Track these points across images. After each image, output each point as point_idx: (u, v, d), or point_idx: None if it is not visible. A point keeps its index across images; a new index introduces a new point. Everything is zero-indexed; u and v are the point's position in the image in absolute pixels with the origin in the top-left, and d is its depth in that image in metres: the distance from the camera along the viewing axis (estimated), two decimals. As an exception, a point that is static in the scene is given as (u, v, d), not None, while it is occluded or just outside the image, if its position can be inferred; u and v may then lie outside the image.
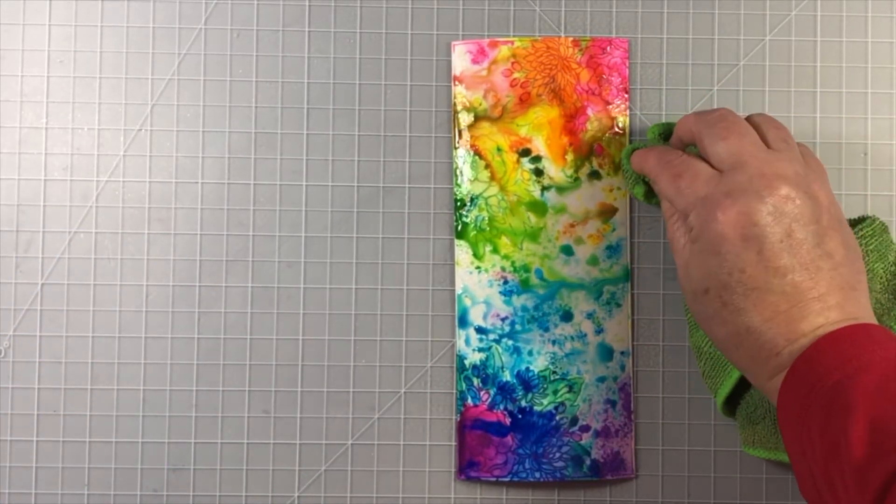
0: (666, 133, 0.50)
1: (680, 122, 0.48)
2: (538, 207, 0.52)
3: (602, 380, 0.52)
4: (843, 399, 0.38)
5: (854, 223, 0.49)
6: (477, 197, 0.52)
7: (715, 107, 0.52)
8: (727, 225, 0.42)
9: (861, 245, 0.48)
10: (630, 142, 0.52)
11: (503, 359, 0.52)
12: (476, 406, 0.52)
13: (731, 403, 0.50)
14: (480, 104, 0.52)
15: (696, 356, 0.50)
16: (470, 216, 0.52)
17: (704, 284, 0.43)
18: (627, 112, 0.52)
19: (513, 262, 0.52)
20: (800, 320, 0.41)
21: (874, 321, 0.43)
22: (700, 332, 0.49)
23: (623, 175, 0.52)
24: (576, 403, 0.52)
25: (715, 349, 0.48)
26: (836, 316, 0.42)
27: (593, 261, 0.52)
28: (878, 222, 0.49)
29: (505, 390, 0.52)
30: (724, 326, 0.43)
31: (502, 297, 0.52)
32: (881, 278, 0.48)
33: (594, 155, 0.52)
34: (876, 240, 0.48)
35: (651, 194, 0.50)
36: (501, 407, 0.52)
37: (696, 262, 0.44)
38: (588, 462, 0.52)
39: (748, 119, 0.46)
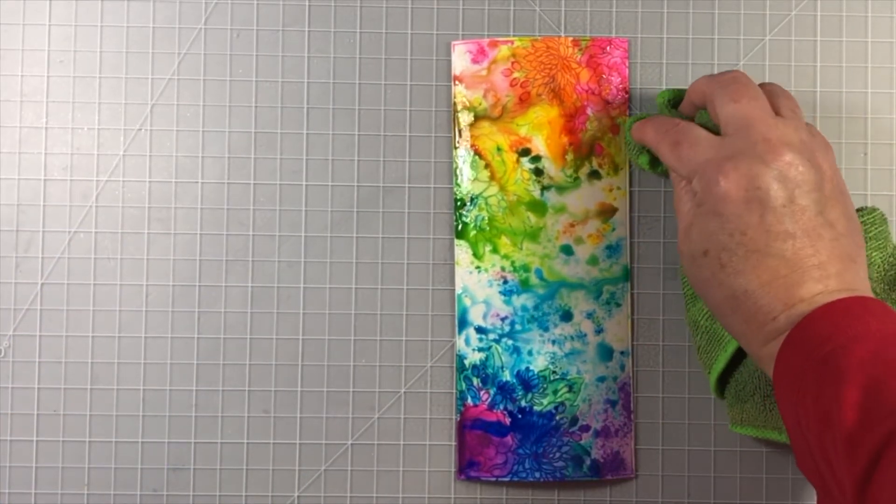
0: (675, 100, 0.50)
1: (692, 86, 0.48)
2: (538, 207, 0.52)
3: (602, 379, 0.52)
4: (836, 368, 0.38)
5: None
6: (477, 197, 0.52)
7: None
8: (730, 187, 0.42)
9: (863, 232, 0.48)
10: (631, 114, 0.52)
11: (503, 359, 0.52)
12: (476, 406, 0.52)
13: (722, 383, 0.50)
14: (480, 104, 0.52)
15: (693, 331, 0.50)
16: (470, 216, 0.52)
17: (704, 246, 0.43)
18: (627, 112, 0.52)
19: (513, 262, 0.52)
20: (798, 286, 0.42)
21: (871, 294, 0.43)
22: (697, 305, 0.49)
23: (626, 147, 0.52)
24: (576, 403, 0.52)
25: (711, 322, 0.48)
26: (835, 285, 0.42)
27: (593, 260, 0.52)
28: (878, 212, 0.49)
29: (505, 390, 0.52)
30: (721, 289, 0.43)
31: (502, 297, 0.52)
32: (878, 268, 0.48)
33: (594, 155, 0.52)
34: (876, 228, 0.48)
35: (656, 163, 0.50)
36: (501, 407, 0.52)
37: (697, 224, 0.44)
38: (588, 462, 0.52)
39: (760, 85, 0.47)
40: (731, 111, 0.44)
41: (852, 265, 0.43)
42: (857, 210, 0.49)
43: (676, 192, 0.46)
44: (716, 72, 0.53)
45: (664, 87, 0.53)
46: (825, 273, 0.42)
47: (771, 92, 0.46)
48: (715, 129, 0.46)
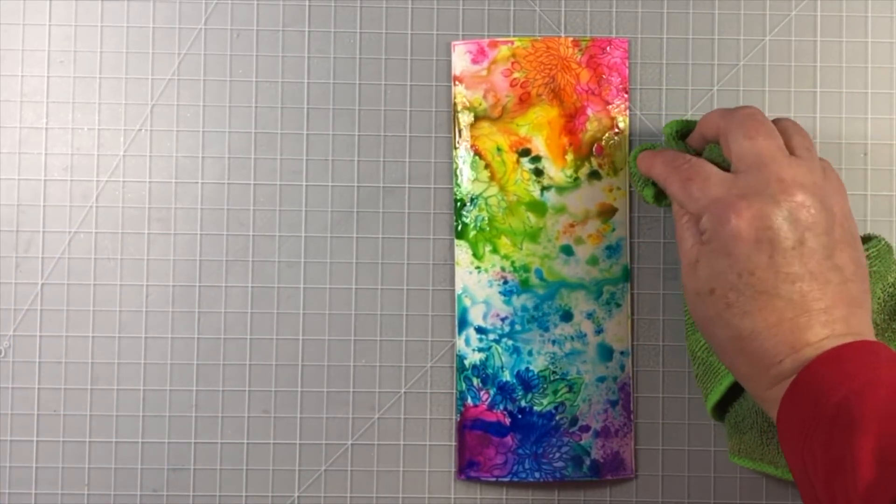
0: (683, 131, 0.50)
1: (704, 119, 0.47)
2: (538, 207, 0.52)
3: (602, 380, 0.52)
4: (849, 416, 0.38)
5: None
6: (477, 197, 0.52)
7: (715, 107, 0.52)
8: (741, 226, 0.42)
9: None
10: (633, 144, 0.52)
11: (503, 359, 0.52)
12: (476, 406, 0.52)
13: (721, 409, 0.50)
14: (480, 104, 0.52)
15: (691, 359, 0.50)
16: (470, 216, 0.52)
17: (711, 284, 0.43)
18: (627, 112, 0.52)
19: (513, 262, 0.52)
20: (805, 329, 0.41)
21: (874, 339, 0.43)
22: (696, 335, 0.49)
23: (631, 178, 0.51)
24: (575, 403, 0.52)
25: (708, 355, 0.48)
26: (841, 329, 0.41)
27: (593, 261, 0.52)
28: (883, 243, 0.48)
29: (505, 390, 0.52)
30: (726, 329, 0.43)
31: (502, 297, 0.52)
32: (879, 299, 0.48)
33: (594, 155, 0.52)
34: (879, 262, 0.48)
35: (661, 196, 0.50)
36: (501, 407, 0.52)
37: (705, 262, 0.43)
38: (588, 462, 0.52)
39: (775, 122, 0.46)
40: (746, 148, 0.44)
41: (858, 310, 0.42)
42: (863, 239, 0.48)
43: (678, 227, 0.46)
44: (715, 72, 0.53)
45: (664, 88, 0.53)
46: (832, 317, 0.41)
47: (786, 130, 0.46)
48: (724, 164, 0.46)
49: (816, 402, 0.39)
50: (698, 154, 0.48)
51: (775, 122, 0.46)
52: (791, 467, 0.41)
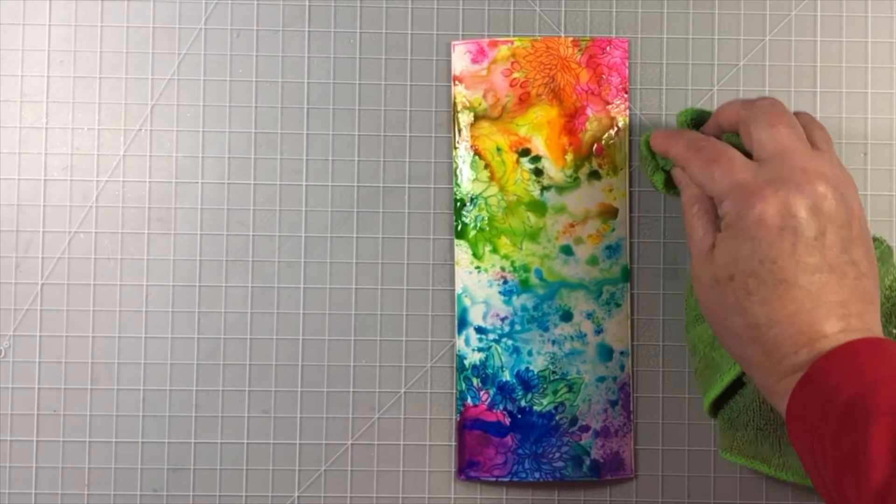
0: (697, 119, 0.49)
1: (723, 108, 0.47)
2: (538, 207, 0.52)
3: (601, 380, 0.52)
4: (861, 412, 0.38)
5: None
6: (477, 197, 0.52)
7: (717, 105, 0.52)
8: (767, 212, 0.42)
9: None
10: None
11: (503, 359, 0.52)
12: (476, 406, 0.52)
13: (716, 406, 0.50)
14: (480, 104, 0.52)
15: (691, 354, 0.50)
16: (470, 216, 0.52)
17: (730, 271, 0.43)
18: (627, 112, 0.52)
19: (512, 262, 0.52)
20: (822, 321, 0.41)
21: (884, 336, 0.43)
22: (698, 329, 0.49)
23: (641, 162, 0.51)
24: (575, 403, 0.52)
25: (711, 350, 0.48)
26: (856, 324, 0.41)
27: (593, 261, 0.52)
28: (884, 246, 0.48)
29: (505, 390, 0.52)
30: (743, 317, 0.42)
31: (502, 297, 0.52)
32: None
33: (594, 155, 0.52)
34: (880, 264, 0.47)
35: (670, 184, 0.49)
36: (501, 407, 0.52)
37: (724, 248, 0.43)
38: (588, 462, 0.52)
39: (795, 114, 0.46)
40: (769, 136, 0.44)
41: (871, 307, 0.42)
42: None
43: (689, 217, 0.46)
44: (715, 72, 0.53)
45: (664, 88, 0.53)
46: (848, 311, 0.41)
47: (806, 123, 0.46)
48: (742, 153, 0.45)
49: (829, 396, 0.39)
50: None
51: (794, 114, 0.46)
52: (802, 460, 0.41)
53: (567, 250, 0.52)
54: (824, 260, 0.42)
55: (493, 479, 0.52)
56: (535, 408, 0.52)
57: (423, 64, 0.53)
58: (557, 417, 0.52)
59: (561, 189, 0.52)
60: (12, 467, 0.52)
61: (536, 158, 0.52)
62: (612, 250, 0.52)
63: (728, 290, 0.43)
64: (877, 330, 0.42)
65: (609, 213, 0.52)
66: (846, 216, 0.43)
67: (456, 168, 0.52)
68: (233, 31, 0.53)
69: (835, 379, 0.40)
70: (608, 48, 0.53)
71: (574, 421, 0.52)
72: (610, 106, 0.52)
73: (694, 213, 0.45)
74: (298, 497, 0.52)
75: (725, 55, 0.53)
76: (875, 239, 0.48)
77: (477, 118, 0.52)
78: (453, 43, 0.53)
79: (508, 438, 0.52)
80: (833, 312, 0.41)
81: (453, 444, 0.52)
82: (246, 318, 0.53)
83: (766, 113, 0.45)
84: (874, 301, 0.43)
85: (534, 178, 0.52)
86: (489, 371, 0.52)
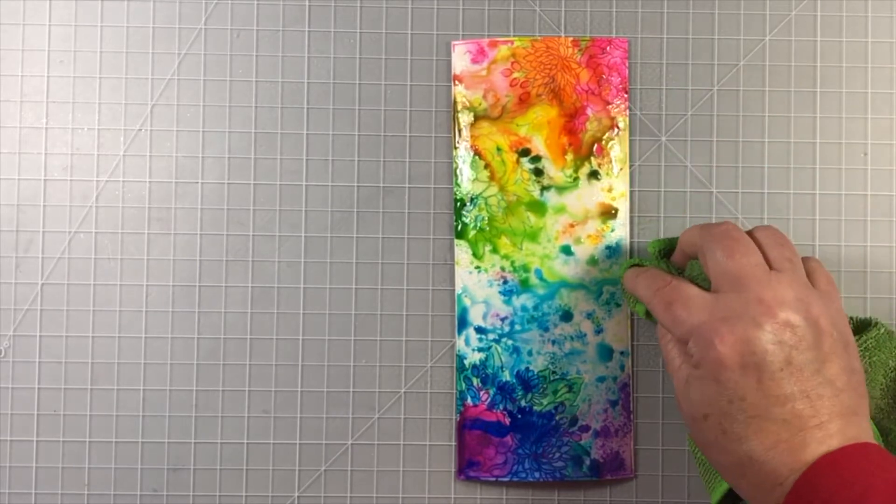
0: (667, 249, 0.50)
1: (683, 235, 0.47)
2: (538, 207, 0.52)
3: (601, 380, 0.52)
4: None
5: (858, 327, 0.48)
6: (477, 197, 0.52)
7: (714, 108, 0.52)
8: (725, 352, 0.42)
9: (864, 358, 0.47)
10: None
11: (503, 359, 0.52)
12: (476, 406, 0.52)
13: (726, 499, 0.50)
14: (480, 104, 0.52)
15: (693, 455, 0.50)
16: (470, 216, 0.52)
17: (704, 410, 0.43)
18: (627, 112, 0.52)
19: (512, 262, 0.52)
20: (802, 449, 0.41)
21: (872, 440, 0.42)
22: None
23: (623, 293, 0.52)
24: (575, 403, 0.52)
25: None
26: (838, 442, 0.41)
27: (593, 261, 0.52)
28: (882, 331, 0.48)
29: (504, 390, 0.52)
30: (726, 455, 0.42)
31: (502, 297, 0.52)
32: (881, 385, 0.47)
33: (594, 155, 0.52)
34: (879, 351, 0.47)
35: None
36: (501, 407, 0.52)
37: (696, 387, 0.43)
38: (588, 462, 0.52)
39: (752, 233, 0.46)
40: (725, 267, 0.43)
41: (854, 418, 0.42)
42: (862, 324, 0.48)
43: (663, 346, 0.46)
44: (715, 72, 0.53)
45: (664, 88, 0.53)
46: (827, 433, 0.41)
47: (762, 242, 0.45)
48: (706, 281, 0.45)
49: None
50: (681, 272, 0.48)
51: (752, 232, 0.46)
52: None
53: (567, 250, 0.52)
54: (796, 387, 0.41)
55: (493, 479, 0.52)
56: (535, 408, 0.52)
57: (423, 64, 0.53)
58: (557, 417, 0.52)
59: (561, 189, 0.52)
60: (12, 467, 0.52)
61: (536, 158, 0.52)
62: (612, 250, 0.52)
63: (706, 429, 0.43)
64: (863, 437, 0.42)
65: (609, 213, 0.52)
66: (813, 337, 0.42)
67: (456, 168, 0.52)
68: (233, 31, 0.53)
69: (819, 496, 0.39)
70: (608, 48, 0.53)
71: (574, 421, 0.52)
72: (610, 106, 0.52)
73: (667, 342, 0.45)
74: (298, 497, 0.52)
75: (725, 55, 0.53)
76: (872, 324, 0.48)
77: (477, 118, 0.52)
78: (453, 43, 0.53)
79: (508, 438, 0.52)
80: (812, 437, 0.41)
81: (453, 444, 0.52)
82: (246, 318, 0.53)
83: (720, 241, 0.44)
84: (858, 410, 0.42)
85: (534, 178, 0.52)
86: (489, 371, 0.52)
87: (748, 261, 0.43)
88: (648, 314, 0.50)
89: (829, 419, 0.41)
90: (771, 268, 0.44)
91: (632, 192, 0.53)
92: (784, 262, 0.44)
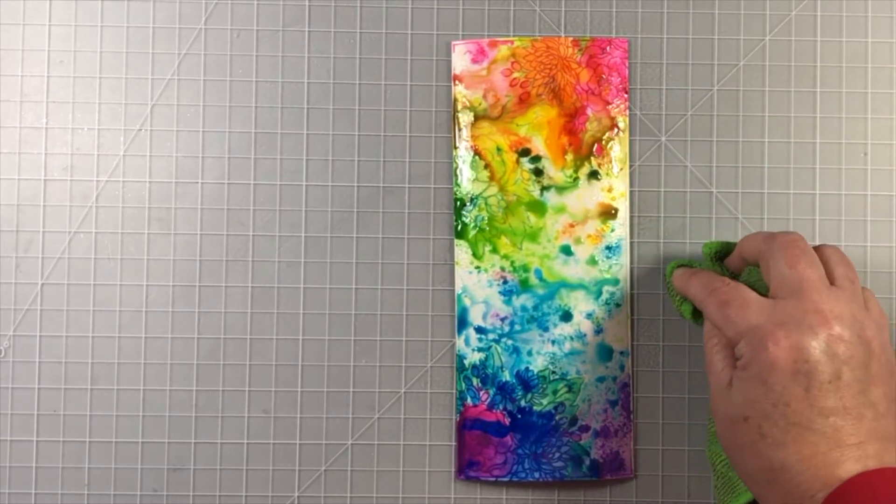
0: (721, 252, 0.49)
1: (745, 241, 0.47)
2: (538, 207, 0.52)
3: (601, 380, 0.52)
4: None
5: None
6: (476, 197, 0.52)
7: (714, 108, 0.52)
8: (778, 355, 0.42)
9: None
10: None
11: (503, 359, 0.52)
12: (475, 406, 0.52)
13: None
14: (480, 104, 0.52)
15: (711, 469, 0.50)
16: (470, 216, 0.52)
17: (745, 412, 0.43)
18: (627, 112, 0.52)
19: (512, 262, 0.52)
20: (837, 465, 0.41)
21: None
22: (717, 447, 0.48)
23: (668, 292, 0.51)
24: (575, 403, 0.52)
25: (728, 469, 0.48)
26: (875, 464, 0.41)
27: (592, 261, 0.52)
28: None
29: (504, 390, 0.52)
30: (758, 459, 0.42)
31: (502, 297, 0.52)
32: None
33: (594, 155, 0.52)
34: None
35: (699, 314, 0.49)
36: (501, 407, 0.52)
37: (740, 388, 0.43)
38: (587, 462, 0.52)
39: (818, 249, 0.46)
40: (787, 276, 0.44)
41: (892, 445, 0.42)
42: None
43: (708, 349, 0.45)
44: (715, 72, 0.53)
45: (664, 88, 0.53)
46: (864, 453, 0.41)
47: (828, 259, 0.45)
48: (762, 289, 0.45)
49: None
50: (735, 276, 0.48)
51: (818, 249, 0.46)
52: None
53: (567, 250, 0.52)
54: (840, 402, 0.41)
55: (493, 479, 0.52)
56: (534, 408, 0.52)
57: (423, 64, 0.53)
58: (557, 417, 0.52)
59: (561, 189, 0.52)
60: (12, 467, 0.52)
61: (536, 158, 0.52)
62: (612, 250, 0.52)
63: (743, 431, 0.43)
64: None
65: (609, 213, 0.52)
66: (864, 357, 0.42)
67: (456, 168, 0.52)
68: (233, 31, 0.53)
69: None
70: (608, 48, 0.53)
71: (574, 421, 0.52)
72: (610, 106, 0.52)
73: (713, 346, 0.45)
74: (298, 497, 0.52)
75: (725, 55, 0.53)
76: None
77: (477, 118, 0.52)
78: (453, 43, 0.53)
79: (508, 438, 0.52)
80: (849, 455, 0.41)
81: (453, 444, 0.52)
82: (246, 318, 0.53)
83: (785, 249, 0.44)
84: (895, 438, 0.42)
85: (534, 178, 0.52)
86: (489, 371, 0.52)
87: (811, 272, 0.44)
88: (695, 315, 0.49)
89: (868, 440, 0.41)
90: (831, 283, 0.44)
91: (632, 192, 0.53)
92: (845, 280, 0.44)
